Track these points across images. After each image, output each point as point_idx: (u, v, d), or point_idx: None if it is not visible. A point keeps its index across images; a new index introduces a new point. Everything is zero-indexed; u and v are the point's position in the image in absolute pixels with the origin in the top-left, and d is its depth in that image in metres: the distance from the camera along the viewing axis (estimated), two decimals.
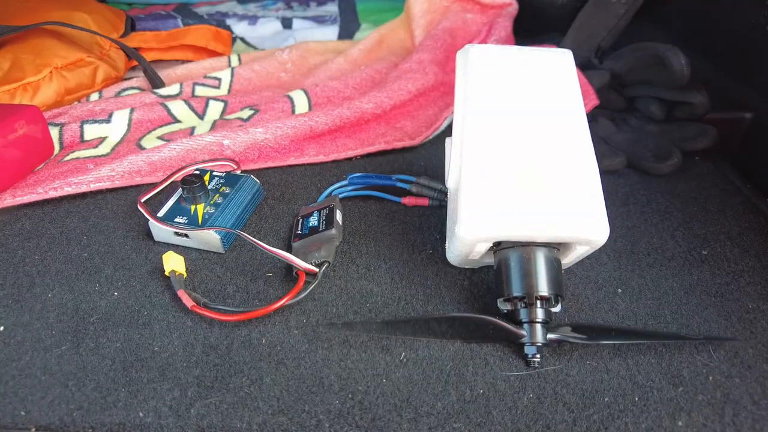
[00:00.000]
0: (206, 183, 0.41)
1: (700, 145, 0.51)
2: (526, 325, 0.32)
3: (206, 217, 0.39)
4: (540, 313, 0.32)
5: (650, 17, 0.63)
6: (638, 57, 0.52)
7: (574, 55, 0.57)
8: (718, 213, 0.46)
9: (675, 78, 0.48)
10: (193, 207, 0.40)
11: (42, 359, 0.32)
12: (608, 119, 0.56)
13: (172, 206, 0.40)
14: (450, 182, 0.36)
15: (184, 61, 0.70)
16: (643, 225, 0.44)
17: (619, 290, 0.38)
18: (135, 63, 0.66)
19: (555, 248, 0.33)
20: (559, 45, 0.59)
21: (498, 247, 0.34)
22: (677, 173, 0.50)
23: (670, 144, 0.51)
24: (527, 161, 0.33)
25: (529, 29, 0.71)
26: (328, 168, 0.51)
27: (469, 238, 0.32)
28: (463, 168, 0.34)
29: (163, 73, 0.63)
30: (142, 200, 0.42)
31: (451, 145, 0.38)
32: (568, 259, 0.35)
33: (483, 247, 0.33)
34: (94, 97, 0.60)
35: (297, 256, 0.37)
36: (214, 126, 0.54)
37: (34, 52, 0.58)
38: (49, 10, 0.64)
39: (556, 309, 0.33)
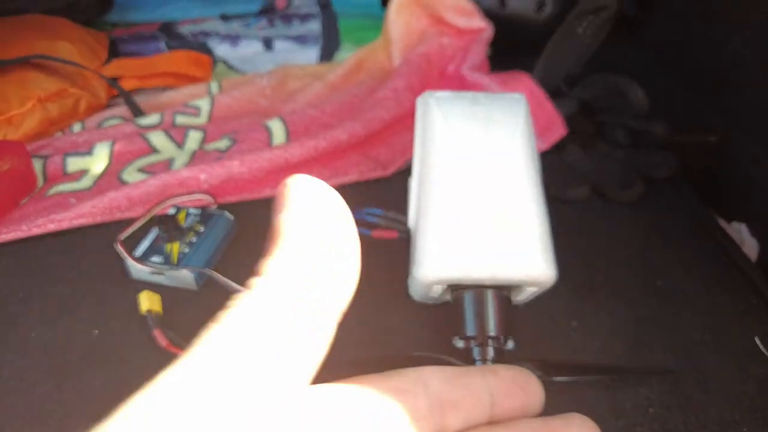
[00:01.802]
0: (181, 222, 0.43)
1: (662, 172, 0.53)
2: (478, 363, 0.34)
3: (181, 256, 0.41)
4: (491, 352, 0.34)
5: (627, 40, 0.65)
6: (602, 87, 0.54)
7: (543, 83, 0.59)
8: (676, 242, 0.48)
9: (635, 109, 0.50)
10: (168, 246, 0.42)
11: (26, 398, 0.34)
12: (577, 145, 0.57)
13: (149, 246, 0.42)
14: (410, 222, 0.38)
15: (165, 87, 0.72)
16: (604, 255, 0.46)
17: (574, 323, 0.40)
18: (117, 91, 0.67)
19: (506, 289, 0.35)
20: (531, 72, 0.61)
21: (453, 287, 0.36)
22: (640, 200, 0.52)
23: (634, 171, 0.53)
24: (479, 206, 0.35)
25: (507, 51, 0.73)
26: None
27: (424, 279, 0.34)
28: (420, 212, 0.36)
29: (145, 101, 0.65)
30: (121, 238, 0.44)
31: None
32: (521, 297, 0.37)
33: (438, 287, 0.35)
34: (77, 127, 0.62)
35: None
36: (192, 157, 0.56)
37: (18, 84, 0.60)
38: (32, 39, 0.65)
39: (509, 346, 0.35)
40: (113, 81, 0.64)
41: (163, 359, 0.36)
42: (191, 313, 0.40)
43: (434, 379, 0.19)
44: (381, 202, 0.52)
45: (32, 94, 0.59)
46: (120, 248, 0.42)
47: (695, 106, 0.60)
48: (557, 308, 0.41)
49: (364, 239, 0.46)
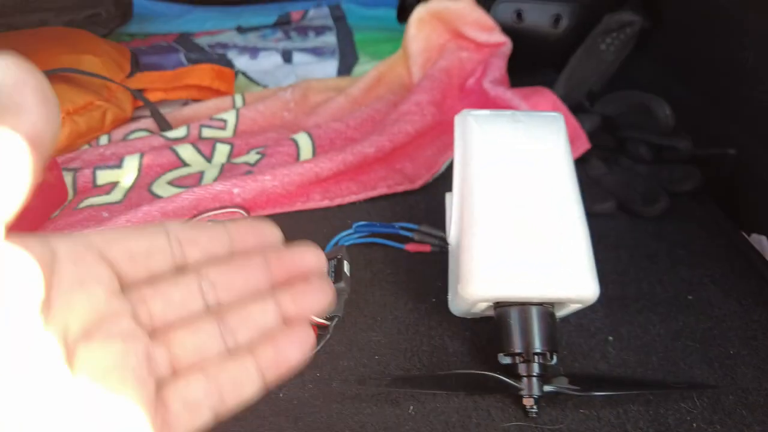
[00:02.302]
0: None
1: (685, 187, 0.54)
2: (524, 379, 0.35)
3: None
4: (536, 368, 0.35)
5: (643, 54, 0.66)
6: (627, 104, 0.55)
7: (566, 98, 0.60)
8: (703, 256, 0.49)
9: (660, 126, 0.51)
10: None
11: None
12: (600, 160, 0.58)
13: None
14: (451, 238, 0.39)
15: (187, 100, 0.72)
16: (633, 270, 0.47)
17: (610, 338, 0.41)
18: (141, 103, 0.68)
19: (550, 305, 0.36)
20: (552, 87, 0.62)
21: (498, 304, 0.36)
22: (665, 215, 0.53)
23: (658, 186, 0.54)
24: (523, 225, 0.36)
25: (523, 65, 0.74)
26: (333, 213, 0.53)
27: (470, 297, 0.35)
28: (463, 229, 0.37)
29: (170, 114, 0.65)
30: None
31: (452, 202, 0.41)
32: (562, 313, 0.38)
33: (484, 304, 0.36)
34: (104, 139, 0.63)
35: None
36: (222, 170, 0.57)
37: None
38: (59, 53, 0.66)
39: (552, 362, 0.36)
40: (140, 94, 0.65)
41: None
42: None
43: (174, 225, 0.23)
44: (410, 215, 0.52)
45: (61, 107, 0.60)
46: None
47: (711, 118, 0.61)
48: (593, 323, 0.42)
49: (398, 253, 0.47)
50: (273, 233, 0.26)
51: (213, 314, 0.23)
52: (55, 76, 0.62)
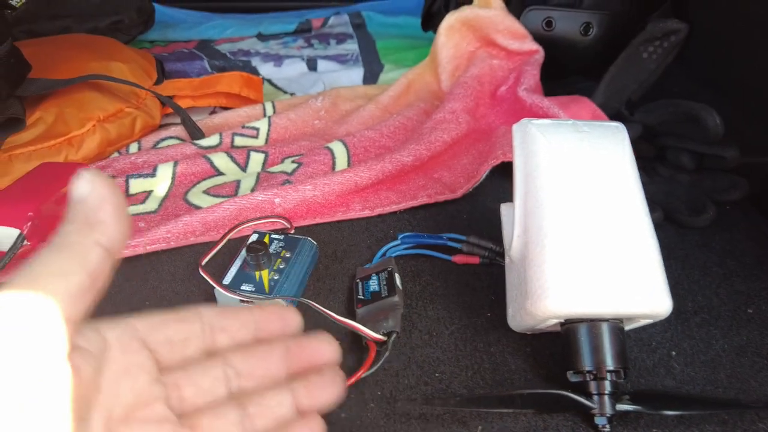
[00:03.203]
0: (268, 247, 0.42)
1: (732, 196, 0.53)
2: (595, 397, 0.34)
3: (272, 284, 0.40)
4: (608, 386, 0.34)
5: (678, 62, 0.65)
6: (671, 112, 0.54)
7: (604, 107, 0.59)
8: (756, 267, 0.47)
9: (709, 135, 0.50)
10: (257, 273, 0.41)
11: None
12: (639, 169, 0.57)
13: (236, 273, 0.41)
14: (513, 251, 0.38)
15: (215, 108, 0.71)
16: (686, 282, 0.46)
17: (673, 353, 0.39)
18: (169, 110, 0.67)
19: (620, 321, 0.35)
20: (583, 94, 0.61)
21: (566, 320, 0.35)
22: (710, 225, 0.52)
23: (703, 196, 0.53)
24: (594, 238, 0.34)
25: (552, 73, 0.73)
26: (374, 223, 0.52)
27: (542, 314, 0.33)
28: (530, 243, 0.35)
29: (200, 122, 0.64)
30: (203, 263, 0.43)
31: (511, 214, 0.40)
32: (629, 327, 0.36)
33: (553, 321, 0.35)
34: (134, 147, 0.61)
35: (363, 324, 0.38)
36: (258, 179, 0.55)
37: (77, 105, 0.59)
38: (87, 60, 0.65)
39: (623, 379, 0.35)
40: (171, 101, 0.63)
41: None
42: None
43: (208, 311, 0.27)
44: (453, 225, 0.51)
45: (92, 115, 0.59)
46: (206, 275, 0.41)
47: (749, 128, 0.60)
48: (653, 337, 0.41)
49: (445, 265, 0.46)
50: (295, 320, 0.29)
51: (235, 401, 0.26)
52: (85, 83, 0.61)
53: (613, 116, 0.60)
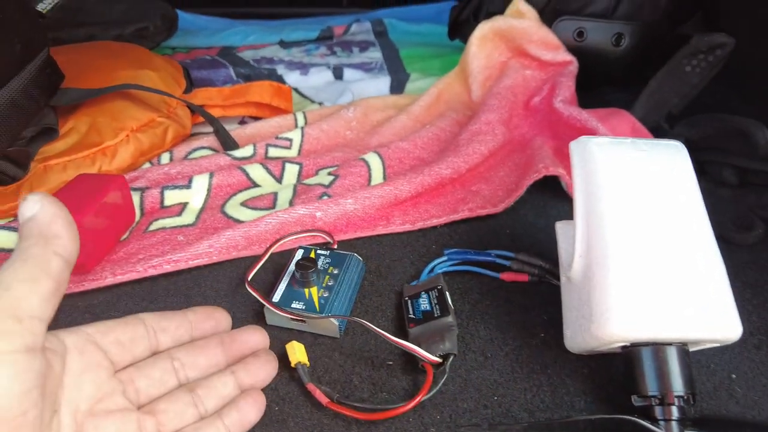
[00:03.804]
0: (317, 263, 0.41)
1: None
2: (661, 422, 0.33)
3: (322, 301, 0.40)
4: (676, 411, 0.33)
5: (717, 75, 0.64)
6: (716, 127, 0.53)
7: (644, 120, 0.58)
8: None
9: (759, 151, 0.49)
10: (306, 290, 0.40)
11: None
12: None
13: (285, 290, 0.41)
14: (573, 272, 0.37)
15: (243, 117, 0.71)
16: (738, 301, 0.44)
17: (733, 375, 0.38)
18: (199, 119, 0.66)
19: (685, 344, 0.34)
20: (623, 107, 0.61)
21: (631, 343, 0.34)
22: (758, 242, 0.51)
23: (749, 212, 0.52)
24: (658, 260, 0.34)
25: (583, 83, 0.72)
26: (414, 237, 0.51)
27: (608, 338, 0.33)
28: (594, 264, 0.34)
29: (232, 132, 0.64)
30: (249, 278, 0.42)
31: (569, 233, 0.39)
32: (694, 350, 0.36)
33: (617, 345, 0.34)
34: (165, 157, 0.61)
35: (417, 344, 0.37)
36: (296, 191, 0.55)
37: (110, 115, 0.58)
38: (118, 69, 0.64)
39: (692, 404, 0.34)
40: (204, 111, 0.63)
41: (320, 418, 0.34)
42: (335, 361, 0.38)
43: (148, 316, 0.32)
44: (497, 240, 0.50)
45: (124, 125, 0.58)
46: (254, 292, 0.40)
47: None
48: (711, 359, 0.40)
49: (493, 282, 0.45)
50: (224, 318, 0.36)
51: (186, 388, 0.31)
52: (116, 92, 0.60)
53: (653, 130, 0.59)
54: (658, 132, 0.59)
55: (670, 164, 0.37)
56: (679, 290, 0.33)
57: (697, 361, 0.39)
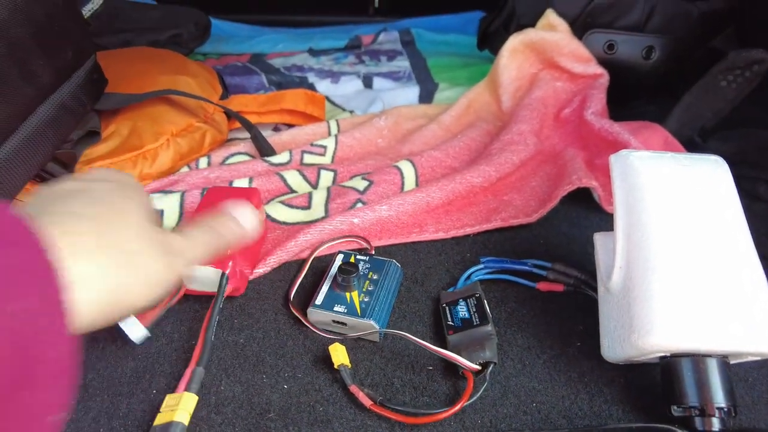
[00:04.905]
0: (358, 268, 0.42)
1: None
2: None
3: (363, 305, 0.40)
4: (716, 423, 0.33)
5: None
6: (749, 142, 0.53)
7: (677, 134, 0.59)
8: None
9: None
10: (348, 294, 0.41)
11: None
12: None
13: (327, 292, 0.42)
14: (613, 283, 0.37)
15: (276, 124, 0.72)
16: None
17: None
18: (235, 124, 0.67)
19: (726, 357, 0.34)
20: (662, 123, 0.61)
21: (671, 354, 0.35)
22: None
23: None
24: (704, 272, 0.34)
25: (613, 96, 0.72)
26: (449, 245, 0.52)
27: (650, 349, 0.33)
28: (635, 276, 0.35)
29: (269, 138, 0.65)
30: (291, 297, 0.44)
31: (608, 245, 0.40)
32: (734, 362, 0.36)
33: (657, 355, 0.34)
34: (203, 162, 0.62)
35: (456, 351, 0.38)
36: (330, 193, 0.56)
37: (151, 119, 0.60)
38: (157, 74, 0.66)
39: (732, 417, 0.34)
40: (242, 117, 0.64)
41: (364, 419, 0.35)
42: (376, 364, 0.39)
43: None
44: (531, 250, 0.51)
45: (165, 129, 0.59)
46: (295, 311, 0.42)
47: None
48: (749, 373, 0.40)
49: (528, 291, 0.45)
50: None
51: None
52: (157, 98, 0.61)
53: (686, 143, 0.59)
54: (691, 146, 0.59)
55: (711, 179, 0.38)
56: (722, 303, 0.33)
57: (735, 374, 0.40)
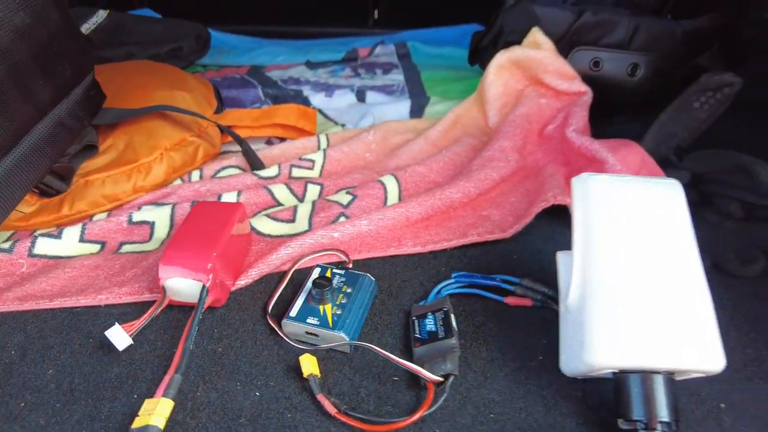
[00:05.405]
0: (332, 282, 0.44)
1: None
2: None
3: (335, 318, 0.43)
4: None
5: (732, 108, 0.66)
6: (721, 162, 0.55)
7: (653, 152, 0.60)
8: None
9: (761, 188, 0.51)
10: (321, 307, 0.43)
11: None
12: None
13: (302, 305, 0.44)
14: (570, 301, 0.39)
15: (269, 138, 0.74)
16: (735, 333, 0.47)
17: (722, 405, 0.40)
18: (229, 138, 0.70)
19: (670, 373, 0.36)
20: (636, 139, 0.63)
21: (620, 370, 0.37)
22: (761, 275, 0.52)
23: (752, 245, 0.54)
24: (650, 293, 0.36)
25: (598, 113, 0.74)
26: (426, 259, 0.54)
27: (597, 365, 0.35)
28: (587, 296, 0.37)
29: (259, 152, 0.67)
30: (269, 309, 0.46)
31: (568, 263, 0.41)
32: (679, 379, 0.38)
33: (607, 371, 0.36)
34: (195, 175, 0.65)
35: (421, 364, 0.40)
36: (314, 207, 0.58)
37: (146, 134, 0.63)
38: (153, 89, 0.69)
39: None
40: (233, 132, 0.67)
41: (328, 427, 0.37)
42: (345, 375, 0.41)
43: None
44: (505, 265, 0.53)
45: (159, 143, 0.62)
46: (272, 323, 0.44)
47: None
48: (701, 388, 0.41)
49: (497, 306, 0.47)
50: None
51: None
52: (153, 113, 0.64)
53: (662, 162, 0.61)
54: (666, 164, 0.60)
55: (666, 202, 0.39)
56: (664, 322, 0.35)
57: (688, 389, 0.41)
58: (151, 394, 0.39)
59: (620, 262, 0.37)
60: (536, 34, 0.74)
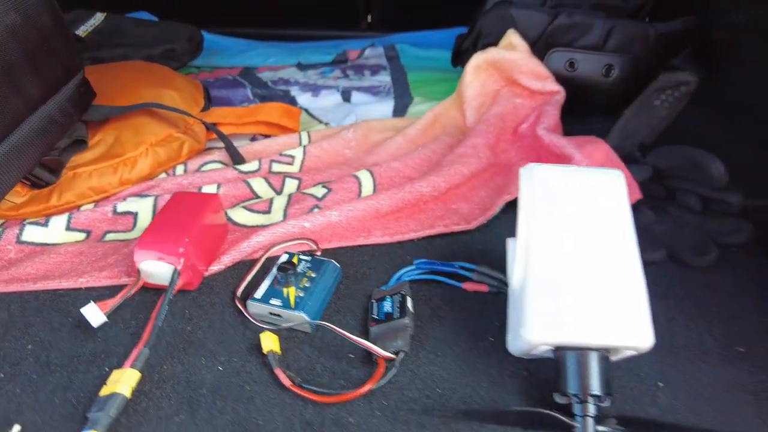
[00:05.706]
0: (296, 267, 0.47)
1: (736, 240, 0.55)
2: (578, 418, 0.37)
3: (297, 300, 0.45)
4: (591, 409, 0.37)
5: (694, 103, 0.68)
6: (679, 157, 0.57)
7: (618, 149, 0.62)
8: (756, 308, 0.50)
9: (713, 182, 0.53)
10: (285, 290, 0.46)
11: (165, 426, 0.38)
12: (649, 209, 0.60)
13: (267, 288, 0.47)
14: (514, 282, 0.42)
15: (254, 135, 0.77)
16: (683, 318, 0.49)
17: (660, 384, 0.42)
18: (214, 135, 0.73)
19: (606, 350, 0.38)
20: (604, 136, 0.65)
21: (558, 347, 0.39)
22: (714, 266, 0.54)
23: (708, 237, 0.56)
24: (584, 274, 0.38)
25: (574, 112, 0.76)
26: (393, 249, 0.56)
27: (533, 341, 0.37)
28: (528, 277, 0.39)
29: (242, 148, 0.70)
30: (239, 293, 0.49)
31: (515, 248, 0.44)
32: (616, 357, 0.40)
33: (544, 348, 0.39)
34: (180, 169, 0.68)
35: (375, 342, 0.42)
36: (290, 200, 0.61)
37: (133, 130, 0.66)
38: (142, 87, 0.72)
39: (605, 404, 0.38)
40: (216, 128, 0.70)
41: (283, 398, 0.40)
42: (305, 352, 0.44)
43: None
44: (467, 254, 0.55)
45: (145, 139, 0.65)
46: (240, 306, 0.47)
47: (761, 168, 0.62)
48: (642, 368, 0.44)
49: (456, 291, 0.50)
50: None
51: None
52: (141, 110, 0.67)
53: (626, 157, 0.63)
54: (630, 160, 0.63)
55: (606, 190, 0.42)
56: (598, 301, 0.37)
57: (629, 368, 0.43)
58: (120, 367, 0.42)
59: (559, 245, 0.39)
60: (512, 36, 0.76)
